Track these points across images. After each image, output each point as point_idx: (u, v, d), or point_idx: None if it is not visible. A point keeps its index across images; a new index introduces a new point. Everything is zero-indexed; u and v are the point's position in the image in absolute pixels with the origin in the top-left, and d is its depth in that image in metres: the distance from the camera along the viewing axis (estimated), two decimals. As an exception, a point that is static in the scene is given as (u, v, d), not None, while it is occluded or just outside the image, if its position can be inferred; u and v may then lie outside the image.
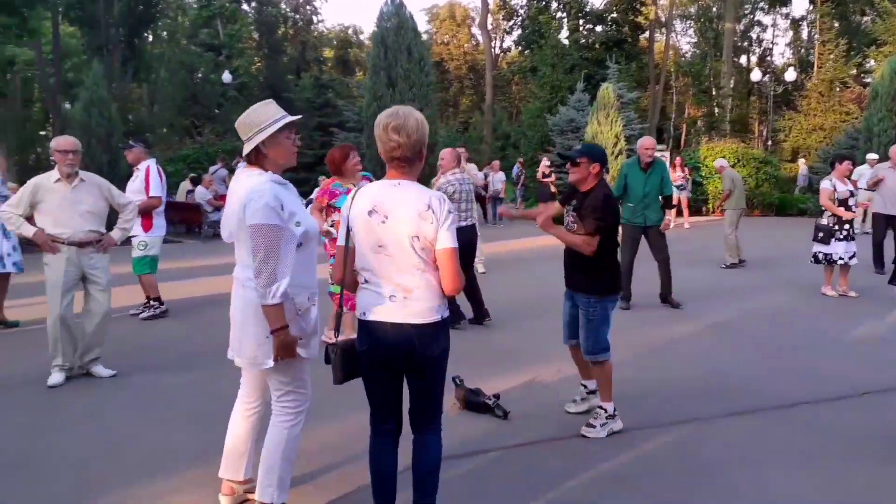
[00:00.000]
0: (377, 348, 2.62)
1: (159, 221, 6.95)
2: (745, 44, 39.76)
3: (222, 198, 16.42)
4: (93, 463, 3.65)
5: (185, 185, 16.78)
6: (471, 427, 4.05)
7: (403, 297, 2.56)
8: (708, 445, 3.86)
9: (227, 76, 25.99)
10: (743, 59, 39.45)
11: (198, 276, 9.36)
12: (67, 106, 29.05)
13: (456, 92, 49.99)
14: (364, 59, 43.39)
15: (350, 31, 50.95)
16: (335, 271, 2.75)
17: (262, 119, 2.85)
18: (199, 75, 27.34)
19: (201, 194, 15.57)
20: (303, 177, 19.61)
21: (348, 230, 2.65)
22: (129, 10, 25.59)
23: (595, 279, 3.91)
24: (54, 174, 4.95)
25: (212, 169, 17.56)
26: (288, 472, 2.92)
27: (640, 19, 33.75)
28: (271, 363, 2.78)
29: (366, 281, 2.65)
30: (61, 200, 4.90)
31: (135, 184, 6.80)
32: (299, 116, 3.03)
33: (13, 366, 5.43)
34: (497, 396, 4.28)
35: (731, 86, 32.58)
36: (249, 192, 2.74)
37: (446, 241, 2.54)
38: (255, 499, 2.95)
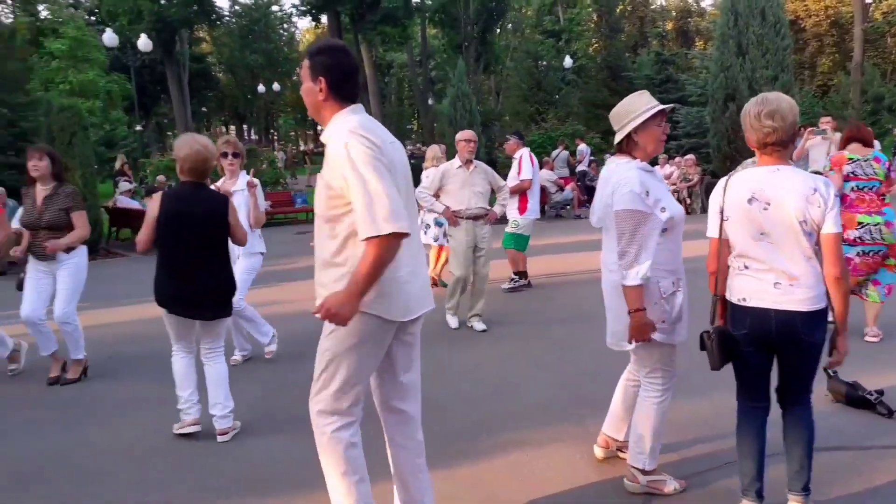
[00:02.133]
0: (759, 334, 2.66)
1: (533, 205, 7.66)
2: None
3: (564, 179, 17.20)
4: (485, 403, 4.37)
5: (531, 168, 17.95)
6: (847, 421, 3.83)
7: (789, 284, 2.58)
8: None
9: (567, 60, 26.93)
10: None
11: (540, 255, 9.93)
12: (430, 102, 33.11)
13: (813, 52, 44.34)
14: (705, 29, 40.98)
15: (690, 0, 48.52)
16: (709, 261, 2.83)
17: (635, 108, 3.02)
18: (544, 63, 28.76)
19: (546, 176, 16.50)
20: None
21: (721, 220, 2.74)
22: (483, 7, 28.00)
23: None
24: (457, 161, 6.05)
25: (554, 153, 18.47)
26: (657, 443, 3.13)
27: None
28: (626, 345, 3.00)
29: (745, 267, 2.70)
30: (462, 183, 6.01)
31: (513, 170, 7.66)
32: (671, 105, 3.18)
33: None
34: (881, 392, 3.95)
35: None
36: (618, 179, 2.95)
37: (832, 225, 2.51)
38: (626, 460, 3.25)
